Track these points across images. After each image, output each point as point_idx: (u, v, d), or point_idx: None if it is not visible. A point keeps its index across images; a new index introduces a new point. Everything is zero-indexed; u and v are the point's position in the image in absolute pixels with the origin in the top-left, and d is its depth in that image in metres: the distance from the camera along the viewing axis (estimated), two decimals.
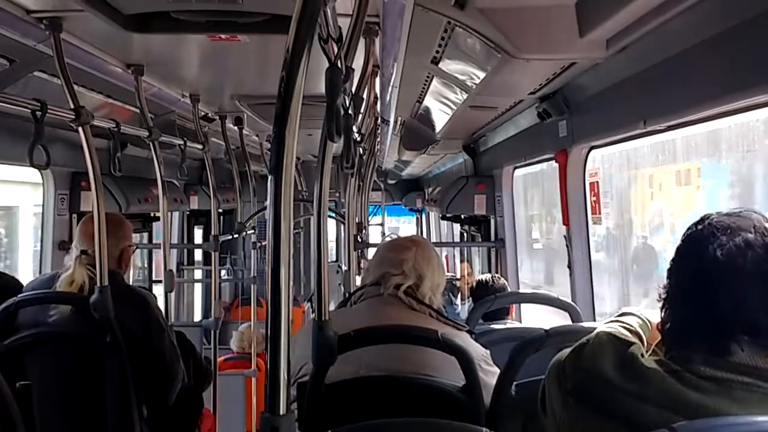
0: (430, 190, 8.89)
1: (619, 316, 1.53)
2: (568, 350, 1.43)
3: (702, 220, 1.33)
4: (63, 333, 2.60)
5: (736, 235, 1.26)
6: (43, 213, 4.02)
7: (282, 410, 1.07)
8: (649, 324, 1.50)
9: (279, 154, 1.06)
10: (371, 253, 4.56)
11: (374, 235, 7.17)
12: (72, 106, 2.52)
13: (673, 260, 1.36)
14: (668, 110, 2.14)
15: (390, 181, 10.10)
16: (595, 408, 1.29)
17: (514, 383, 1.94)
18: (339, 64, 1.46)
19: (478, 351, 2.03)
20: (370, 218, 7.16)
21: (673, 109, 2.10)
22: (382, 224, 8.01)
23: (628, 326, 1.45)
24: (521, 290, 4.64)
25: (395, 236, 2.75)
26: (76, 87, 2.54)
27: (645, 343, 1.41)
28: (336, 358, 1.75)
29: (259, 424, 1.11)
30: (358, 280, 3.86)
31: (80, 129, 2.56)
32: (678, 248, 1.35)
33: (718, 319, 1.24)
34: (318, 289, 1.66)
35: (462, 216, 5.60)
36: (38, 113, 2.36)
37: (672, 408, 1.21)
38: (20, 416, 1.87)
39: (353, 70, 1.75)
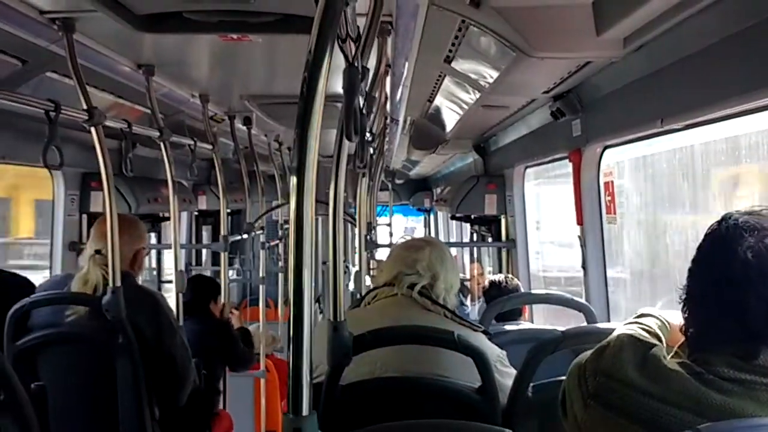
0: (439, 190, 8.87)
1: (637, 317, 1.51)
2: (588, 352, 1.41)
3: (725, 219, 1.31)
4: (75, 334, 2.60)
5: (764, 236, 1.24)
6: (53, 214, 4.03)
7: (305, 411, 1.07)
8: (668, 325, 1.48)
9: (301, 154, 1.05)
10: (379, 253, 4.59)
11: (382, 236, 7.15)
12: (85, 107, 2.51)
13: (695, 261, 1.33)
14: (686, 109, 2.11)
15: (398, 181, 10.09)
16: (616, 410, 1.28)
17: (531, 384, 1.93)
18: (356, 64, 1.45)
19: (494, 352, 2.02)
20: (377, 218, 7.15)
21: (692, 107, 2.08)
22: (389, 224, 8.00)
23: (647, 328, 1.43)
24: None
25: (409, 237, 2.74)
26: (87, 87, 2.54)
27: (664, 344, 1.39)
28: (351, 359, 1.74)
29: (279, 425, 1.10)
30: (368, 280, 3.86)
31: (93, 129, 2.56)
32: (700, 248, 1.33)
33: (748, 322, 1.22)
34: (333, 290, 1.66)
35: (472, 216, 5.58)
36: (52, 114, 2.36)
37: (695, 410, 1.20)
38: (35, 417, 1.87)
39: (368, 69, 1.74)
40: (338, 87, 1.38)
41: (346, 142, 1.52)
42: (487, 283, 3.72)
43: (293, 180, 1.06)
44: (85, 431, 2.63)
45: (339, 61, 1.38)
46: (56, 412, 2.49)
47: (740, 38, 1.75)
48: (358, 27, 1.50)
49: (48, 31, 2.27)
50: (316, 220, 1.02)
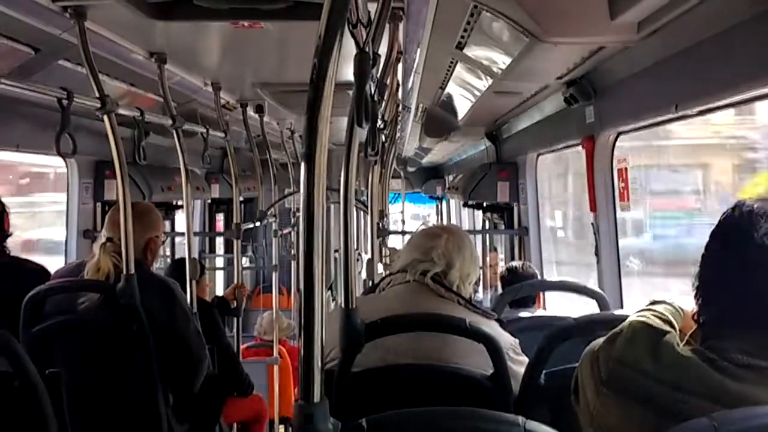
0: (451, 177, 8.85)
1: (650, 304, 1.50)
2: (601, 339, 1.40)
3: (738, 206, 1.30)
4: (90, 320, 2.62)
5: None
6: (67, 202, 4.06)
7: (316, 398, 1.07)
8: (681, 312, 1.47)
9: (311, 140, 1.05)
10: (392, 240, 4.59)
11: (394, 223, 7.15)
12: (97, 95, 2.52)
13: (708, 247, 1.33)
14: (702, 94, 2.08)
15: (410, 169, 10.10)
16: (629, 397, 1.28)
17: (544, 372, 1.92)
18: (367, 50, 1.44)
19: (506, 340, 2.01)
20: (390, 206, 7.14)
21: (708, 92, 2.05)
22: (402, 212, 8.00)
23: (660, 315, 1.42)
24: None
25: (430, 224, 2.73)
26: (99, 75, 2.55)
27: (677, 331, 1.38)
28: (363, 346, 1.74)
29: (292, 411, 1.10)
30: (380, 268, 3.87)
31: (105, 117, 2.57)
32: (714, 235, 1.32)
33: (764, 308, 1.21)
34: (345, 277, 1.66)
35: (484, 204, 5.56)
36: (64, 102, 2.37)
37: (709, 397, 1.20)
38: (50, 403, 1.89)
39: (379, 56, 1.73)
40: (350, 74, 1.37)
41: (357, 129, 1.51)
42: (504, 269, 3.71)
43: (303, 167, 1.05)
44: (99, 417, 2.65)
45: (350, 47, 1.37)
46: (70, 398, 2.52)
47: (757, 22, 1.72)
48: (369, 12, 1.49)
49: (60, 19, 2.28)
50: (329, 207, 1.02)
